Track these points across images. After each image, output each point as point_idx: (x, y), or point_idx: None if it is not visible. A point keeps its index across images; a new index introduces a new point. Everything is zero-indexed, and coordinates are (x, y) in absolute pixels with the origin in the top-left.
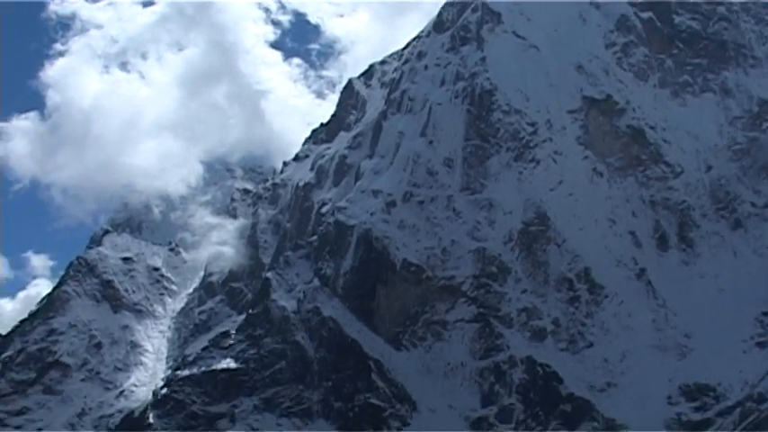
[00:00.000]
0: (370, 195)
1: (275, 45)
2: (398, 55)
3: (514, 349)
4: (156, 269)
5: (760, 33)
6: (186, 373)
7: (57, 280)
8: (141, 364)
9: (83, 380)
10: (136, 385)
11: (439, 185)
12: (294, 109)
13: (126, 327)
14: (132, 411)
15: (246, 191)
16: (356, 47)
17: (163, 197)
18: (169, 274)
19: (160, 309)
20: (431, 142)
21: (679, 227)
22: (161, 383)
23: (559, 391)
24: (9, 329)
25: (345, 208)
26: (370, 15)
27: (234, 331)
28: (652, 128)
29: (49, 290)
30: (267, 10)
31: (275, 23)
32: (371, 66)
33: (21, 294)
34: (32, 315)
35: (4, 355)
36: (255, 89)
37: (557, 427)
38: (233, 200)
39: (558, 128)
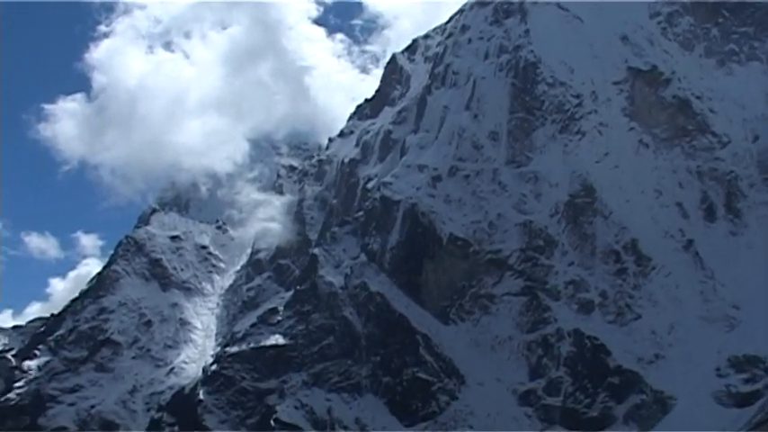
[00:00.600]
0: (415, 170)
1: (318, 21)
2: (442, 29)
3: (562, 322)
4: (204, 247)
5: None
6: (235, 349)
7: (106, 259)
8: (191, 341)
9: (134, 357)
10: (186, 362)
11: (484, 159)
12: (338, 85)
13: (175, 305)
14: (183, 388)
15: (292, 167)
16: (399, 21)
17: (209, 175)
18: (217, 252)
19: (208, 286)
20: (475, 116)
21: (726, 197)
22: (210, 360)
23: (607, 363)
24: (61, 309)
25: (391, 183)
26: None
27: (282, 308)
28: (698, 98)
29: (98, 269)
30: None
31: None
32: (415, 40)
33: (71, 274)
34: (83, 294)
35: (56, 334)
36: (299, 65)
37: (605, 400)
38: (279, 176)
39: (604, 99)
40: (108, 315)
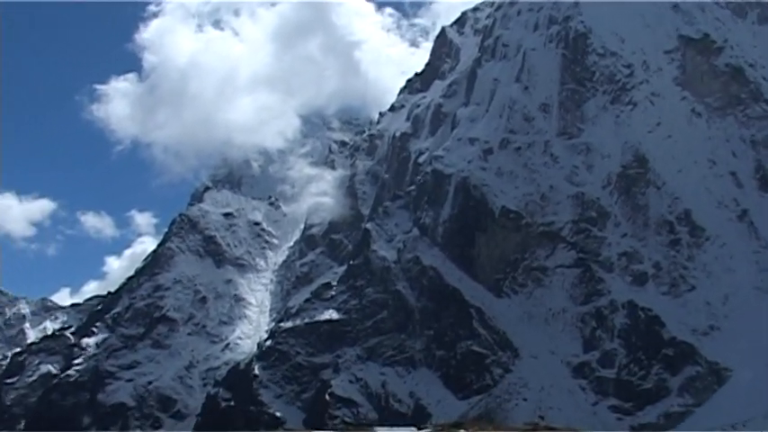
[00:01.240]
0: (466, 143)
1: None
2: (490, 1)
3: (615, 294)
4: (257, 223)
5: None
6: (289, 324)
7: (161, 237)
8: (245, 317)
9: (189, 334)
10: (241, 338)
11: (536, 131)
12: (388, 58)
13: (229, 281)
14: (238, 363)
15: (344, 143)
16: None
17: (261, 151)
18: (270, 228)
19: (262, 262)
20: (526, 88)
21: None
22: (265, 336)
23: (662, 335)
24: (117, 287)
25: (442, 157)
26: None
27: (335, 282)
28: (751, 66)
29: (153, 247)
30: None
31: None
32: (464, 13)
33: (127, 252)
34: (139, 272)
35: (113, 312)
36: (349, 40)
37: (659, 372)
38: (330, 152)
39: (655, 69)
40: (163, 292)
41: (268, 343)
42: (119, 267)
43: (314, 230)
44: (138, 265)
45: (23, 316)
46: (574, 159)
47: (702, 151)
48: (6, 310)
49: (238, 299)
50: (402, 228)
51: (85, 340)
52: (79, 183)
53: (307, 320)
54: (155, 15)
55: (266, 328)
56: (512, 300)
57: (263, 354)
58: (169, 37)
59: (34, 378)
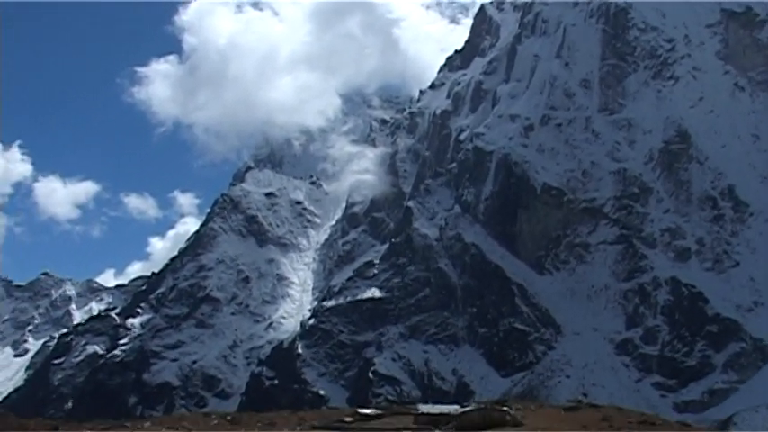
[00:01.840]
0: (507, 120)
1: None
2: None
3: (658, 270)
4: (299, 203)
5: None
6: (332, 303)
7: (203, 217)
8: (288, 296)
9: (233, 313)
10: (284, 317)
11: (576, 107)
12: (428, 36)
13: (272, 260)
14: (281, 342)
15: (384, 121)
16: None
17: (302, 130)
18: (311, 207)
19: (304, 241)
20: (567, 64)
21: None
22: (308, 314)
23: (705, 311)
24: (161, 267)
25: (483, 134)
26: None
27: (377, 261)
28: None
29: (196, 227)
30: None
31: None
32: None
33: (170, 233)
34: (182, 252)
35: (157, 292)
36: (388, 18)
37: (703, 349)
38: (371, 130)
39: (697, 43)
40: (206, 272)
41: (311, 322)
42: (162, 248)
43: (355, 209)
44: (182, 245)
45: (69, 297)
46: (615, 135)
47: (746, 126)
48: (53, 291)
49: (281, 278)
50: (443, 205)
51: (130, 320)
52: (122, 165)
53: (349, 299)
54: None
55: (309, 306)
56: (554, 277)
57: (306, 332)
58: (208, 18)
59: (81, 358)
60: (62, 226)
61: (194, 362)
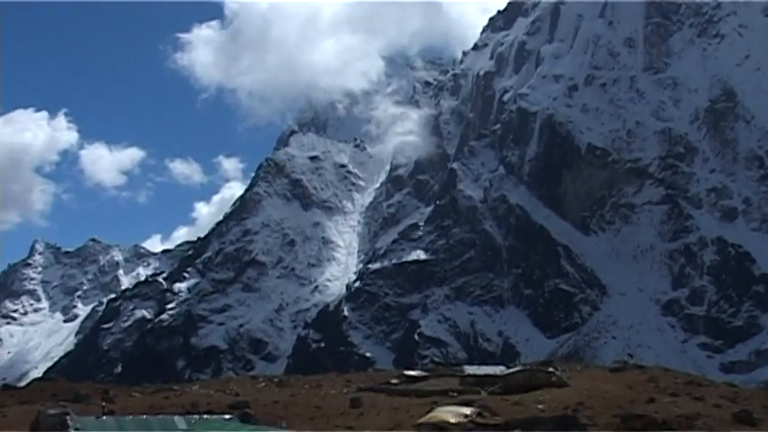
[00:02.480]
0: (551, 80)
1: None
2: None
3: (705, 230)
4: (343, 166)
5: None
6: (377, 266)
7: (248, 182)
8: (333, 259)
9: (278, 277)
10: (329, 280)
11: (621, 66)
12: None
13: (317, 224)
14: (327, 305)
15: (427, 82)
16: None
17: (346, 93)
18: (356, 170)
19: (349, 204)
20: (610, 23)
21: None
22: (353, 277)
23: (752, 271)
24: (206, 232)
25: (527, 94)
26: None
27: (422, 223)
28: None
29: (241, 192)
30: None
31: None
32: None
33: (215, 198)
34: (227, 217)
35: (203, 257)
36: None
37: (749, 309)
38: (415, 92)
39: (743, 0)
40: (252, 236)
41: (357, 284)
42: (207, 213)
43: (400, 171)
44: (227, 210)
45: (117, 263)
46: (660, 94)
47: None
48: (100, 257)
49: (326, 241)
50: (488, 167)
51: (177, 285)
52: (166, 131)
53: (394, 261)
54: None
55: (354, 269)
56: (599, 237)
57: (351, 295)
58: None
59: (129, 323)
60: (108, 192)
61: (241, 325)
